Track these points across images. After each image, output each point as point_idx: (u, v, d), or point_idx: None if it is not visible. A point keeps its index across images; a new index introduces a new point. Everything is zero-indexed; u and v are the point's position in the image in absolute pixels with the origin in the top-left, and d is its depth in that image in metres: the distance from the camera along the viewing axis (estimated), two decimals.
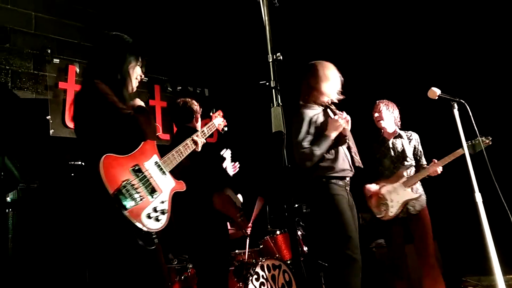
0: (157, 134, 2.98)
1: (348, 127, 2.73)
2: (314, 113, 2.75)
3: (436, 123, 4.14)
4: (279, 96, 1.51)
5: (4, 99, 3.86)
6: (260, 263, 3.54)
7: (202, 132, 2.54)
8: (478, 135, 2.84)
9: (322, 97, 2.78)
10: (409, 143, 3.42)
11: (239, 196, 3.36)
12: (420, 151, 3.45)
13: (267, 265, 3.56)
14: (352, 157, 2.76)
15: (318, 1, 5.21)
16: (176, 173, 2.10)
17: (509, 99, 4.38)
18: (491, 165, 2.52)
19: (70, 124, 4.18)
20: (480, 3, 4.46)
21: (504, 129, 4.14)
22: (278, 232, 3.99)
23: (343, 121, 2.65)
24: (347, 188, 2.71)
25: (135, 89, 2.10)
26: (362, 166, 2.78)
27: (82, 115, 1.93)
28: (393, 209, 3.20)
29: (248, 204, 4.09)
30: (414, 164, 3.38)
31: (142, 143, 1.95)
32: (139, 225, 1.76)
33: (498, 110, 4.38)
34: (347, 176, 2.71)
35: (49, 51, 4.21)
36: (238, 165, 3.69)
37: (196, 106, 3.12)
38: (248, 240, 3.85)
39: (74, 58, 4.40)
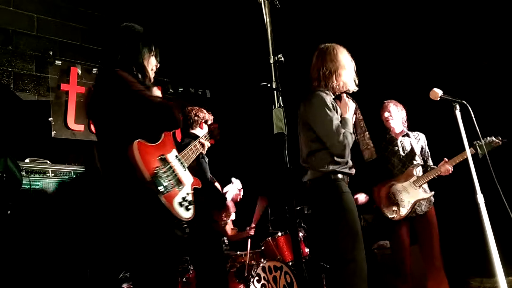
0: None
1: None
2: (330, 99, 2.50)
3: (439, 124, 4.13)
4: (280, 98, 1.51)
5: (6, 101, 3.87)
6: (261, 264, 3.54)
7: (205, 137, 2.69)
8: (485, 137, 2.84)
9: (338, 85, 2.52)
10: (416, 142, 3.43)
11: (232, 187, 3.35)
12: (427, 152, 3.46)
13: (269, 267, 3.56)
14: None
15: (319, 3, 5.21)
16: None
17: (510, 99, 4.37)
18: (493, 166, 2.51)
19: (73, 126, 4.20)
20: (482, 4, 4.46)
21: (506, 129, 4.13)
22: (279, 234, 3.98)
23: (351, 103, 2.52)
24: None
25: (152, 81, 2.06)
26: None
27: (107, 105, 1.85)
28: (405, 209, 3.17)
29: (250, 206, 4.09)
30: (422, 163, 3.38)
31: (163, 135, 1.93)
32: (173, 212, 1.77)
33: (500, 111, 4.37)
34: (352, 173, 2.57)
35: (51, 53, 4.22)
36: (242, 194, 3.75)
37: (203, 114, 3.23)
38: (249, 242, 3.85)
39: (76, 60, 4.42)
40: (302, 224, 4.13)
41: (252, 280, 3.38)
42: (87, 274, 2.94)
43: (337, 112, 2.49)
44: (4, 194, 2.65)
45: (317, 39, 2.76)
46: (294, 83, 2.86)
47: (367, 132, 2.62)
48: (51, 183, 2.98)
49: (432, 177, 3.23)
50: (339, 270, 2.36)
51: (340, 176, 2.46)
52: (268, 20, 1.59)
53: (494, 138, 3.06)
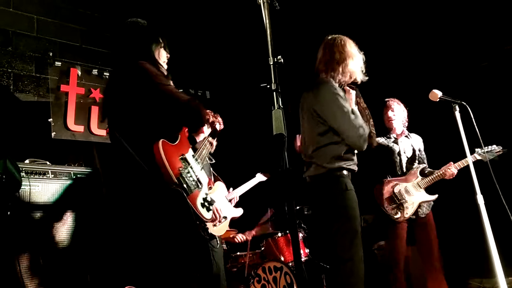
0: None
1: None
2: (339, 89, 2.41)
3: (438, 125, 4.14)
4: (280, 99, 1.51)
5: (6, 102, 3.87)
6: (261, 265, 3.54)
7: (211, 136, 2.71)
8: (487, 146, 2.85)
9: (346, 75, 2.45)
10: (415, 144, 3.41)
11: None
12: (424, 154, 3.45)
13: (269, 267, 3.56)
14: None
15: (319, 4, 5.22)
16: None
17: (510, 100, 4.37)
18: (492, 167, 2.52)
19: (72, 127, 4.20)
20: (481, 5, 4.46)
21: (506, 131, 4.13)
22: (279, 234, 3.99)
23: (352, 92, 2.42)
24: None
25: (166, 73, 2.01)
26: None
27: (127, 101, 1.75)
28: (409, 210, 3.13)
29: (250, 209, 4.08)
30: (426, 165, 3.36)
31: (180, 134, 1.88)
32: (197, 212, 1.75)
33: (499, 112, 4.38)
34: (355, 170, 2.49)
35: (51, 54, 4.22)
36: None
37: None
38: (249, 242, 3.85)
39: (76, 61, 4.41)
40: (302, 225, 4.13)
41: (252, 280, 3.38)
42: (87, 279, 2.93)
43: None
44: (4, 195, 2.65)
45: (317, 40, 2.75)
46: (293, 85, 2.87)
47: (371, 120, 2.54)
48: (50, 184, 2.98)
49: (437, 179, 3.21)
50: (336, 269, 2.32)
51: (345, 172, 2.39)
52: (267, 21, 1.59)
53: (495, 147, 3.06)
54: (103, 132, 4.39)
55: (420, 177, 3.22)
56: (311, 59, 2.75)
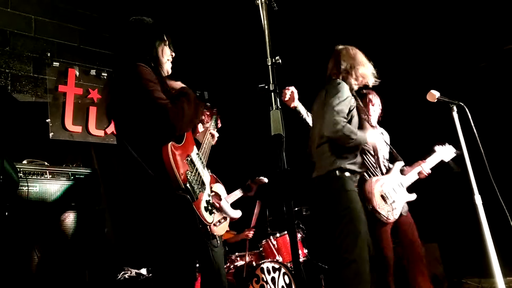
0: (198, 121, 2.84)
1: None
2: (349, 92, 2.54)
3: (437, 126, 4.14)
4: (278, 99, 1.51)
5: (4, 102, 3.87)
6: (260, 265, 3.54)
7: (212, 125, 2.72)
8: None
9: (357, 79, 2.60)
10: (387, 140, 3.32)
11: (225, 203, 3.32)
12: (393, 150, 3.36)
13: (267, 268, 3.56)
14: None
15: (316, 5, 5.22)
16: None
17: (508, 101, 4.39)
18: (490, 167, 2.52)
19: (70, 127, 4.19)
20: (479, 6, 4.47)
21: (503, 131, 4.15)
22: (278, 235, 3.99)
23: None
24: (356, 186, 2.53)
25: (170, 72, 2.00)
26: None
27: (126, 103, 1.76)
28: (397, 211, 2.97)
29: (249, 209, 4.08)
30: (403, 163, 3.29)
31: (185, 133, 1.86)
32: (202, 217, 1.74)
33: (497, 112, 4.39)
34: (361, 172, 2.51)
35: (48, 54, 4.22)
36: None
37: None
38: (248, 243, 3.85)
39: (73, 61, 4.41)
40: (301, 225, 4.14)
41: (250, 281, 3.38)
42: (85, 275, 2.93)
43: (351, 105, 2.46)
44: (1, 196, 2.64)
45: (315, 41, 2.77)
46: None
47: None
48: (48, 185, 2.97)
49: (415, 179, 3.14)
50: (340, 270, 2.31)
51: (347, 174, 2.41)
52: (265, 22, 1.59)
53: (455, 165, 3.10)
54: (101, 133, 4.39)
55: (402, 176, 3.14)
56: (309, 60, 2.75)
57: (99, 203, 3.23)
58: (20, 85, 4.04)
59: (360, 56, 2.64)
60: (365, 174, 3.06)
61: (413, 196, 3.11)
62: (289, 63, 2.05)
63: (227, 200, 3.26)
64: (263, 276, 3.50)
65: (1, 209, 2.64)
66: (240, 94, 5.44)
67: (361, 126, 2.59)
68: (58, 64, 4.26)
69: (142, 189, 1.72)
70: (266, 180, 3.54)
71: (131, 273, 3.44)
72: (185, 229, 1.72)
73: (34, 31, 4.24)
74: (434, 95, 2.62)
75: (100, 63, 4.57)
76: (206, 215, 1.80)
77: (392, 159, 3.29)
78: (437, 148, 3.26)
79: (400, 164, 3.18)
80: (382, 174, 3.15)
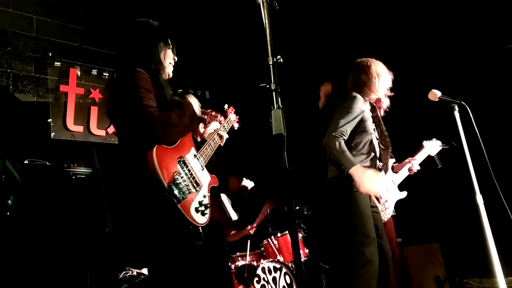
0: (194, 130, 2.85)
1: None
2: (364, 107, 2.64)
3: (437, 125, 4.14)
4: (279, 99, 1.51)
5: (5, 102, 3.87)
6: (261, 265, 3.54)
7: (223, 127, 2.70)
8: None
9: (372, 93, 2.70)
10: None
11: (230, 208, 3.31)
12: None
13: (268, 267, 3.56)
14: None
15: (318, 4, 5.22)
16: (207, 168, 2.10)
17: (509, 100, 4.38)
18: (492, 167, 2.52)
19: (72, 127, 4.20)
20: (480, 5, 4.47)
21: (505, 130, 4.14)
22: (279, 234, 3.99)
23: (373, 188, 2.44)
24: None
25: (171, 75, 2.02)
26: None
27: (122, 106, 1.80)
28: (390, 210, 2.88)
29: (252, 206, 4.08)
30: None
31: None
32: (190, 219, 1.74)
33: (498, 112, 4.38)
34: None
35: (50, 54, 4.22)
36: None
37: (204, 116, 3.18)
38: (249, 242, 3.85)
39: (75, 61, 4.42)
40: (302, 225, 4.13)
41: (251, 280, 3.38)
42: (86, 275, 2.93)
43: (361, 119, 2.54)
44: (3, 195, 2.65)
45: (316, 40, 2.77)
46: (293, 85, 2.87)
47: (390, 147, 2.78)
48: (49, 185, 2.98)
49: (406, 176, 3.09)
50: (348, 265, 2.35)
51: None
52: (267, 21, 1.59)
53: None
54: (102, 132, 4.39)
55: (393, 174, 3.11)
56: (310, 59, 2.75)
57: (101, 203, 3.24)
58: (21, 85, 4.05)
59: (377, 69, 2.73)
60: None
61: (403, 194, 3.07)
62: (291, 63, 2.05)
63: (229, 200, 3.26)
64: (264, 276, 3.50)
65: (3, 209, 2.65)
66: (241, 93, 5.44)
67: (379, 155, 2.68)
68: (59, 64, 4.26)
69: (134, 190, 1.78)
70: (248, 184, 3.52)
71: (132, 272, 3.44)
72: (170, 230, 1.75)
73: (36, 31, 4.25)
74: (435, 94, 2.62)
75: (102, 63, 4.57)
76: (196, 216, 1.79)
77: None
78: (425, 143, 3.24)
79: (391, 162, 3.16)
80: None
